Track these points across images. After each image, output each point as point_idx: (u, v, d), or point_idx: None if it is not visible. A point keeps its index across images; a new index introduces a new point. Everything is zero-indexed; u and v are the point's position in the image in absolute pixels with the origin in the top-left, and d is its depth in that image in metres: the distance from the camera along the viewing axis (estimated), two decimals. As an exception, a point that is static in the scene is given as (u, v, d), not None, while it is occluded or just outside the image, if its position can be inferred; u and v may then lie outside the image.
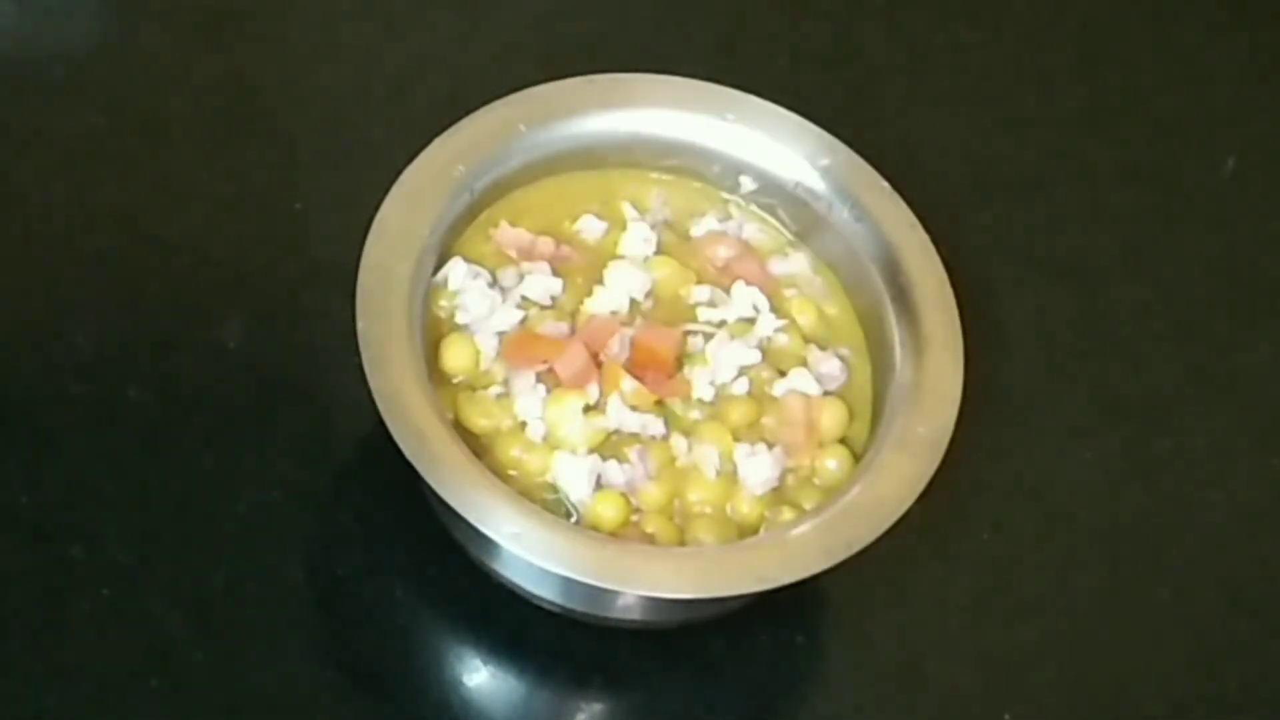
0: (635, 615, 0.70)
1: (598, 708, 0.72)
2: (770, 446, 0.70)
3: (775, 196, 0.76)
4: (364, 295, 0.67)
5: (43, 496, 0.72)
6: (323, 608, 0.72)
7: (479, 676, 0.71)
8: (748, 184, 0.76)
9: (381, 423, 0.65)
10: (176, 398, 0.75)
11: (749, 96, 0.76)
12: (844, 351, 0.74)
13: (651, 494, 0.69)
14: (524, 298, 0.71)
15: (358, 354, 0.66)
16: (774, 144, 0.75)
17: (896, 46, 0.94)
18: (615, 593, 0.67)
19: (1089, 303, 0.85)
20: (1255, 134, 0.94)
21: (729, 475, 0.70)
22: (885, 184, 0.75)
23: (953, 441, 0.68)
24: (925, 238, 0.74)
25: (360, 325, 0.66)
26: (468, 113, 0.73)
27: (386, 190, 0.70)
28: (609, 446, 0.69)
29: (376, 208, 0.70)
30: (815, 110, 0.76)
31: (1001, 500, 0.79)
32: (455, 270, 0.71)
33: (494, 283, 0.72)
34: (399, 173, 0.71)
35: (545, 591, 0.69)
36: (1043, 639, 0.75)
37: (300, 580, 0.72)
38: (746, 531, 0.69)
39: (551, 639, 0.71)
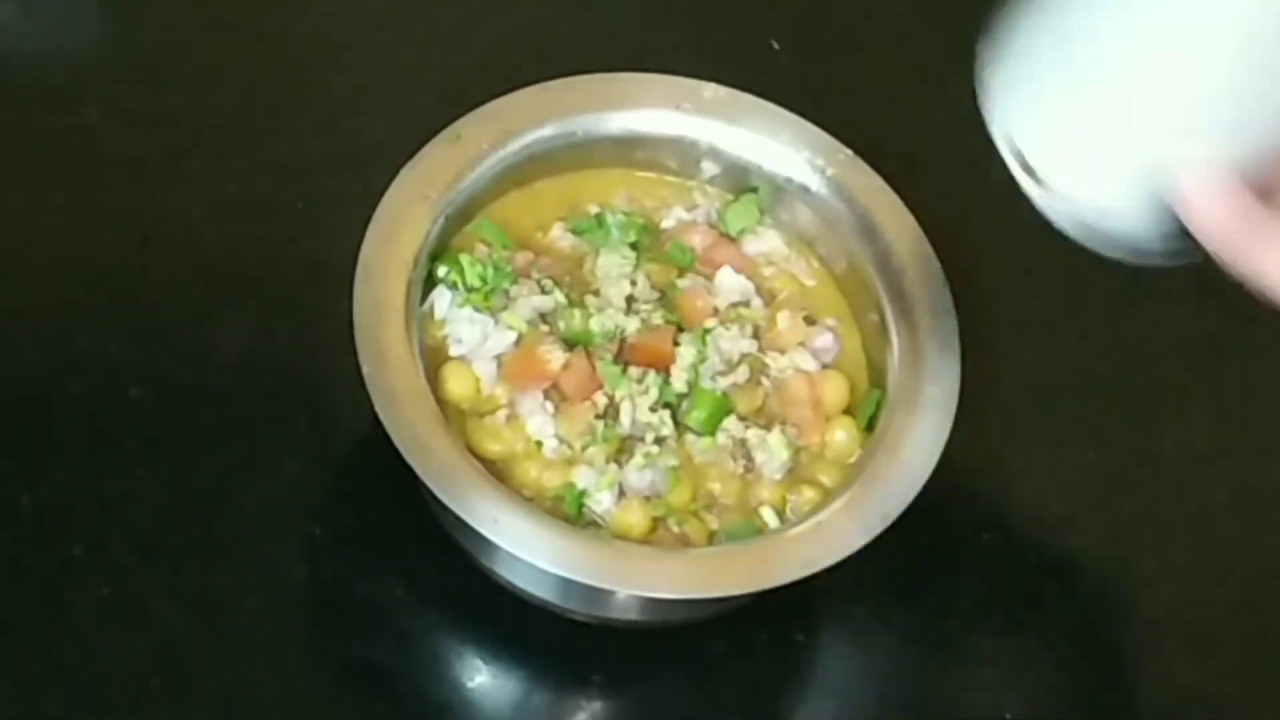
0: (635, 615, 0.70)
1: (597, 707, 0.72)
2: (782, 429, 0.70)
3: (737, 178, 0.76)
4: (362, 336, 0.67)
5: (43, 496, 0.72)
6: (323, 608, 0.72)
7: (479, 676, 0.71)
8: (709, 169, 0.76)
9: (381, 423, 0.65)
10: (176, 398, 0.75)
11: (688, 80, 0.76)
12: (832, 323, 0.74)
13: (675, 493, 0.69)
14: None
15: (357, 354, 0.66)
16: (731, 127, 0.75)
17: (897, 45, 0.94)
18: (614, 592, 0.67)
19: (1089, 303, 0.85)
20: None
21: (746, 463, 0.70)
22: (848, 151, 0.75)
23: (952, 441, 0.68)
24: (896, 198, 0.74)
25: (365, 370, 0.66)
26: (468, 111, 0.73)
27: (385, 190, 0.70)
28: (625, 452, 0.69)
29: (375, 208, 0.70)
30: (814, 110, 0.76)
31: (1002, 500, 0.79)
32: (440, 300, 0.71)
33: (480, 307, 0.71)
34: (399, 172, 0.71)
35: (545, 592, 0.70)
36: (1042, 639, 0.75)
37: (300, 580, 0.72)
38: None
39: (551, 639, 0.71)
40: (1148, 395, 0.83)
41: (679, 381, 0.71)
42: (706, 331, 0.72)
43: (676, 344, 0.71)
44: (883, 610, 0.75)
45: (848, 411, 0.72)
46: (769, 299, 0.74)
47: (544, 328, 0.71)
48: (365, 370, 0.66)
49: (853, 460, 0.70)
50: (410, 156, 0.71)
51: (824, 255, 0.75)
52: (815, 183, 0.75)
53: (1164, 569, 0.78)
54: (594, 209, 0.75)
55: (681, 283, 0.74)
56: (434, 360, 0.70)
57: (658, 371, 0.71)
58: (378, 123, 0.83)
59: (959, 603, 0.76)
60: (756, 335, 0.73)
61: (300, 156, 0.83)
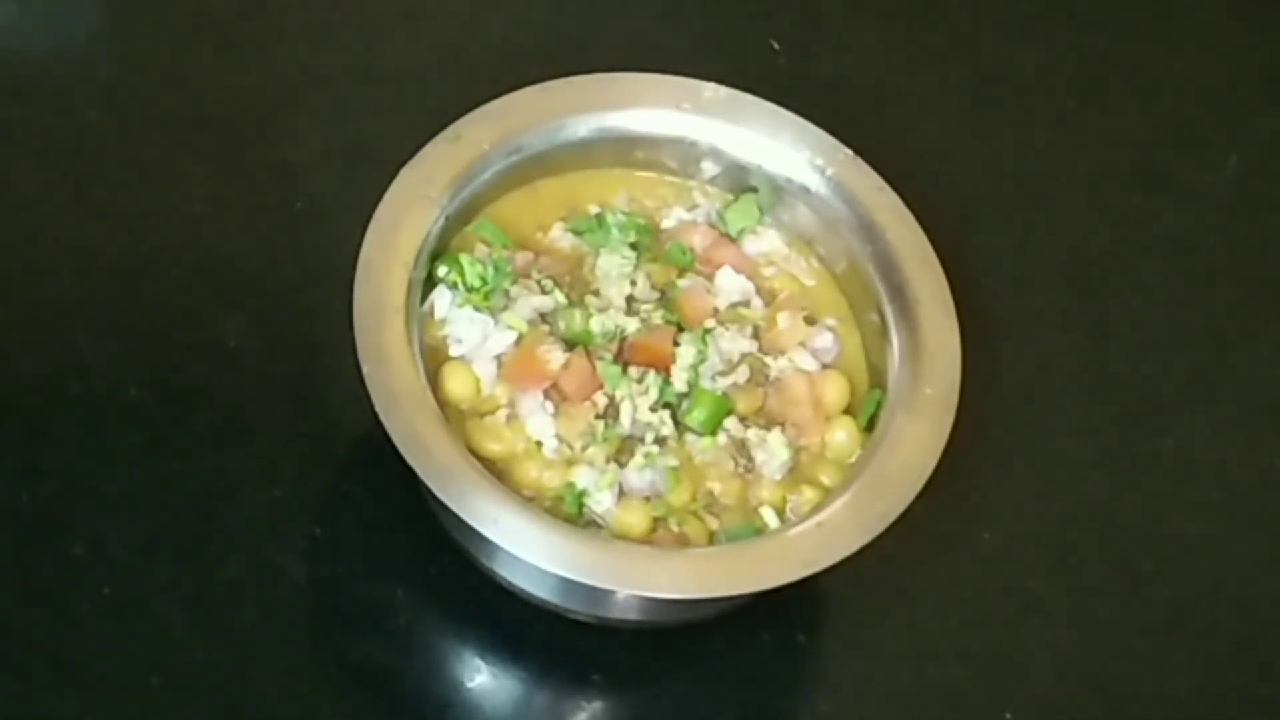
0: (635, 615, 0.70)
1: (597, 707, 0.72)
2: (782, 429, 0.70)
3: (737, 178, 0.76)
4: (362, 336, 0.67)
5: (43, 496, 0.72)
6: (323, 608, 0.72)
7: (479, 676, 0.71)
8: (709, 169, 0.76)
9: (381, 423, 0.65)
10: (176, 398, 0.75)
11: (688, 80, 0.76)
12: (832, 322, 0.74)
13: (675, 493, 0.69)
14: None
15: (357, 353, 0.66)
16: (731, 127, 0.75)
17: (897, 45, 0.94)
18: (614, 592, 0.67)
19: (1089, 303, 0.85)
20: (1255, 133, 0.94)
21: (746, 463, 0.70)
22: (848, 151, 0.75)
23: (952, 441, 0.68)
24: (896, 198, 0.74)
25: (365, 370, 0.66)
26: (468, 111, 0.73)
27: (386, 190, 0.70)
28: (625, 452, 0.69)
29: (375, 208, 0.70)
30: (814, 110, 0.76)
31: (1001, 500, 0.79)
32: (440, 300, 0.71)
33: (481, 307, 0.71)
34: (399, 172, 0.71)
35: (545, 592, 0.70)
36: (1043, 639, 0.75)
37: (300, 580, 0.72)
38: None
39: (551, 639, 0.71)
40: (1148, 395, 0.83)
41: (679, 381, 0.71)
42: (707, 331, 0.72)
43: (676, 344, 0.71)
44: (883, 610, 0.75)
45: (848, 411, 0.72)
46: (769, 299, 0.74)
47: (544, 328, 0.71)
48: (365, 370, 0.66)
49: (853, 460, 0.70)
50: (410, 156, 0.71)
51: (824, 255, 0.75)
52: (815, 183, 0.75)
53: (1164, 569, 0.78)
54: (594, 209, 0.75)
55: (681, 283, 0.74)
56: (434, 360, 0.70)
57: (658, 371, 0.71)
58: (378, 123, 0.83)
59: (959, 603, 0.76)
60: (756, 335, 0.73)
61: (300, 156, 0.83)
